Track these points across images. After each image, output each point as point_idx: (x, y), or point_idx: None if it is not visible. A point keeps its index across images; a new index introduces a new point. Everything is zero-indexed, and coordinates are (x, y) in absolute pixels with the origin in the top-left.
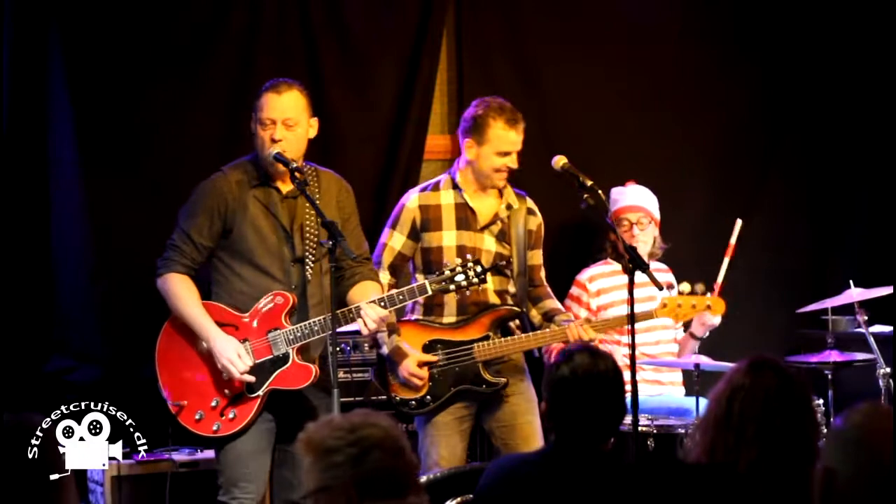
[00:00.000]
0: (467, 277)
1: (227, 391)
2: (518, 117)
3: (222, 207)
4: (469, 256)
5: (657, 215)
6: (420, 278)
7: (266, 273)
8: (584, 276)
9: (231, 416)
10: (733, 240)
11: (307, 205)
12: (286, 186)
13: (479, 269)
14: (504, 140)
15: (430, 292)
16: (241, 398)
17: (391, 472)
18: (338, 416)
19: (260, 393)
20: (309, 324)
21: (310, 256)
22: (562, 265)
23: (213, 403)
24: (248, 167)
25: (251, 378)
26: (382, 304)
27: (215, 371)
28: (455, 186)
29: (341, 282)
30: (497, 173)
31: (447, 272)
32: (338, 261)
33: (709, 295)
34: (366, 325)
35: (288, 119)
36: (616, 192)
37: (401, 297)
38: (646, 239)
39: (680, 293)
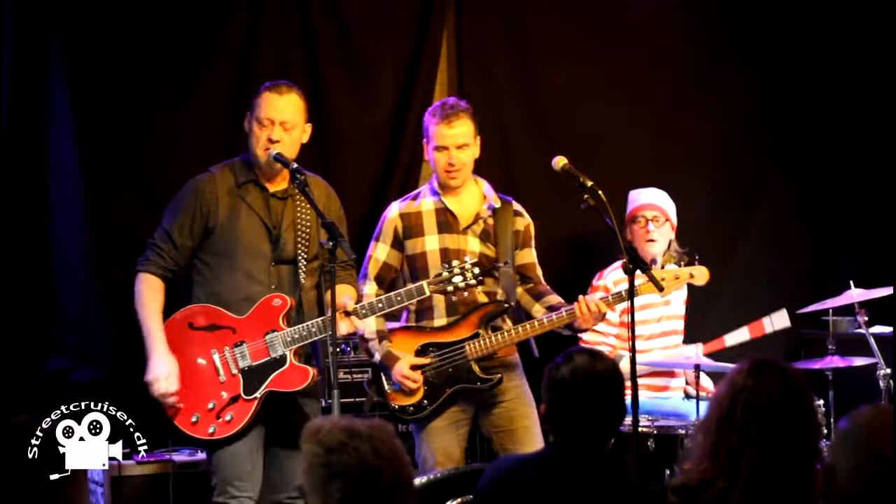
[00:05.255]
0: (465, 279)
1: (224, 393)
2: (456, 112)
3: (204, 207)
4: (467, 259)
5: (674, 218)
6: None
7: (245, 273)
8: (606, 279)
9: (228, 418)
10: (768, 328)
11: (300, 205)
12: (275, 186)
13: (476, 270)
14: (437, 135)
15: (427, 293)
16: (238, 400)
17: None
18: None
19: (258, 395)
20: (307, 325)
21: (302, 257)
22: (563, 266)
23: (210, 406)
24: (237, 167)
25: (174, 400)
26: (381, 304)
27: (212, 374)
28: (434, 193)
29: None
30: (445, 173)
31: (445, 273)
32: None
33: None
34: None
35: (286, 122)
36: (633, 193)
37: (398, 298)
38: (660, 237)
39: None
